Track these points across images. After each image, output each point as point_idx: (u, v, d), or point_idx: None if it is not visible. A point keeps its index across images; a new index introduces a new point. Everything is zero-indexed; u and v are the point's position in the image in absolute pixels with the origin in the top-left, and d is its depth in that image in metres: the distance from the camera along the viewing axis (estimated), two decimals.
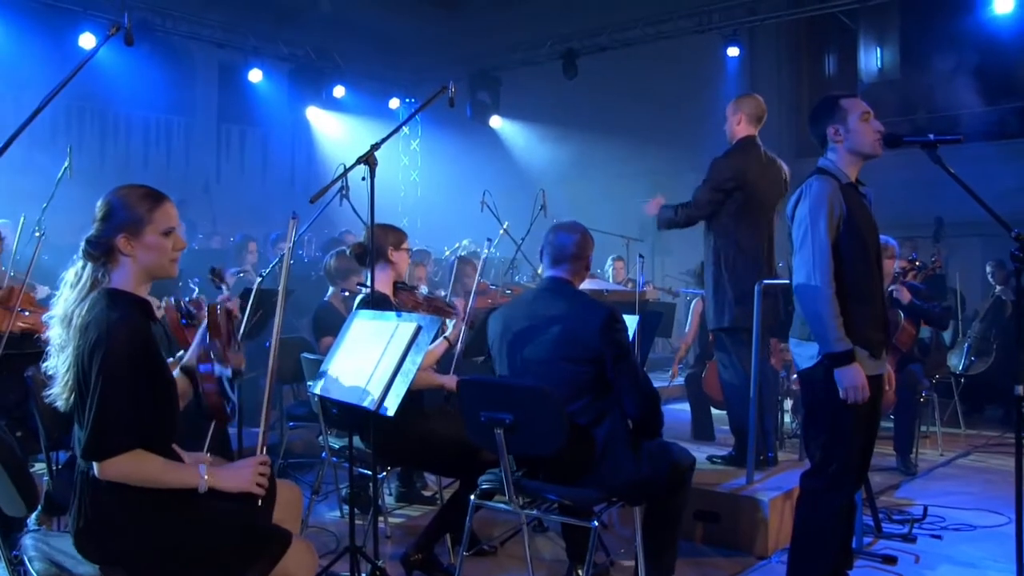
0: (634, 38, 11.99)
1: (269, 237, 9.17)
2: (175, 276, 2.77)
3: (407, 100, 14.30)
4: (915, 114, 12.50)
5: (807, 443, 3.51)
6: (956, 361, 8.14)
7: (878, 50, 13.90)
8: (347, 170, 3.83)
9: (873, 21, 13.61)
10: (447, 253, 9.72)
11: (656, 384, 3.37)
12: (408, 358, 3.26)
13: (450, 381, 4.28)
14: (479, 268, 5.45)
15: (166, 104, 12.73)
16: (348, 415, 3.70)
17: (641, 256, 5.27)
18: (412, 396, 4.21)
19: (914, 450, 6.42)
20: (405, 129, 15.32)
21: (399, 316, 3.47)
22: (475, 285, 5.26)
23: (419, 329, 3.29)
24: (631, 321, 4.38)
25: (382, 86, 14.04)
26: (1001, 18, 9.82)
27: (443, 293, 7.28)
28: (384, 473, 4.29)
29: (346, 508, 4.51)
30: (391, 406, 3.21)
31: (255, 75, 12.17)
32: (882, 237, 6.49)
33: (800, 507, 3.45)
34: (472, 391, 3.50)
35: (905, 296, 6.30)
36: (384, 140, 3.87)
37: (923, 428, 7.25)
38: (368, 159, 3.72)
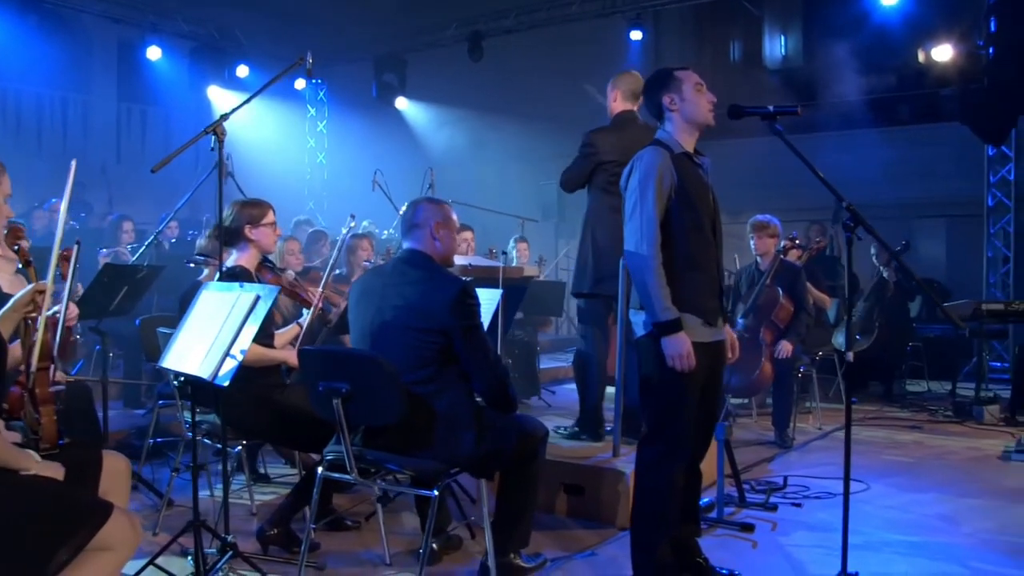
0: (539, 20, 12.04)
1: (160, 216, 8.96)
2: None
3: (313, 81, 14.07)
4: (816, 100, 12.77)
5: (642, 411, 3.56)
6: (841, 339, 8.35)
7: (782, 37, 14.14)
8: (192, 140, 3.76)
9: (777, 8, 13.85)
10: (344, 232, 9.57)
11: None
12: (245, 327, 3.23)
13: (291, 356, 4.22)
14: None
15: (61, 81, 12.35)
16: (197, 389, 3.64)
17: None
18: (269, 369, 4.20)
19: (792, 424, 6.58)
20: (311, 110, 15.28)
21: (241, 287, 3.43)
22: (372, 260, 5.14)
23: (257, 299, 3.26)
24: (495, 295, 4.41)
25: (288, 66, 13.81)
26: (889, 8, 10.11)
27: (338, 272, 7.17)
28: (239, 447, 4.23)
29: (219, 485, 4.44)
30: (226, 376, 3.18)
31: (154, 52, 11.86)
32: (764, 216, 6.77)
33: (638, 475, 3.49)
34: (311, 361, 3.48)
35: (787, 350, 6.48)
36: (234, 111, 3.87)
37: (807, 404, 7.47)
38: (215, 129, 3.68)
